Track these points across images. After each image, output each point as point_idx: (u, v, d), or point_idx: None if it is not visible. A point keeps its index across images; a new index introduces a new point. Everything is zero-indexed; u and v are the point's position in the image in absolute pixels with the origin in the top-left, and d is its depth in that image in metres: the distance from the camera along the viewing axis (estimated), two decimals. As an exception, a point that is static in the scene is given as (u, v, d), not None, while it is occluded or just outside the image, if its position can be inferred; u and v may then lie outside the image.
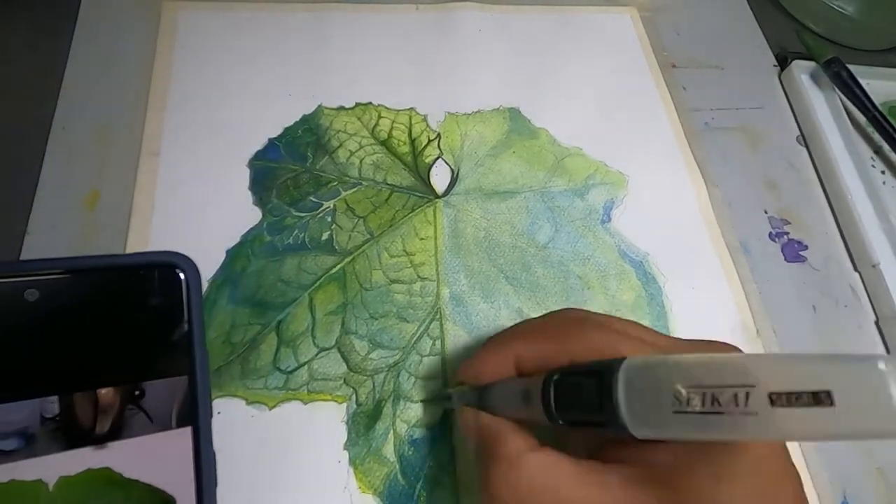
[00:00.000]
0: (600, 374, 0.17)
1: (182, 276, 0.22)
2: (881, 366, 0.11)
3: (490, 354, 0.22)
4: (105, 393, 0.21)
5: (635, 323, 0.21)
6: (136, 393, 0.21)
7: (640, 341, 0.19)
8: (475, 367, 0.22)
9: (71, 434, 0.20)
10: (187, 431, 0.21)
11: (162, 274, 0.22)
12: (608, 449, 0.19)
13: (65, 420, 0.20)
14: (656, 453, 0.17)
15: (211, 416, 0.22)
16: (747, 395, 0.13)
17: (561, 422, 0.18)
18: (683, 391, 0.14)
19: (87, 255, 0.24)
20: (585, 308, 0.30)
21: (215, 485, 0.21)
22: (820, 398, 0.12)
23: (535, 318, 0.23)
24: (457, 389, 0.24)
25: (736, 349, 0.20)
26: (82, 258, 0.23)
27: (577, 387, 0.18)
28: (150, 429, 0.21)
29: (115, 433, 0.20)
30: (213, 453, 0.21)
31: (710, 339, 0.22)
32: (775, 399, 0.12)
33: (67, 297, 0.21)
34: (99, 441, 0.20)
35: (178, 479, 0.20)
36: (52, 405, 0.20)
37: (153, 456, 0.20)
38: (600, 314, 0.22)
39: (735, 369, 0.13)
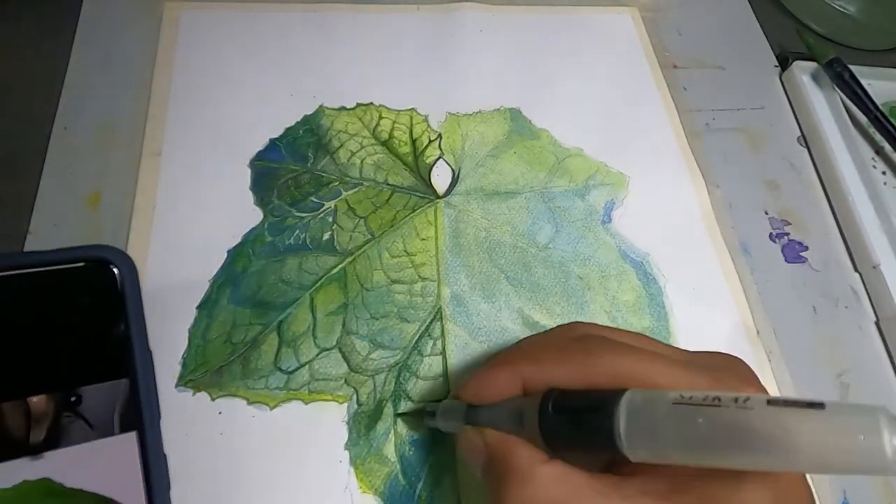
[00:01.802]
0: (600, 405, 0.17)
1: (116, 271, 0.21)
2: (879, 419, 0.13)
3: (497, 373, 0.21)
4: (37, 401, 0.20)
5: (646, 337, 0.21)
6: (73, 399, 0.20)
7: (654, 358, 0.19)
8: (480, 385, 0.21)
9: (3, 445, 0.19)
10: (132, 437, 0.20)
11: (93, 270, 0.21)
12: (624, 464, 0.18)
13: None
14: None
15: (158, 418, 0.21)
16: (747, 398, 0.14)
17: (556, 445, 0.18)
18: (687, 394, 0.15)
19: (10, 252, 0.23)
20: (586, 308, 0.30)
21: (168, 488, 0.20)
22: (813, 404, 0.13)
23: (543, 335, 0.22)
24: (443, 404, 0.23)
25: (741, 361, 0.20)
26: (5, 255, 0.22)
27: (576, 414, 0.18)
28: (91, 435, 0.20)
29: (53, 442, 0.19)
30: (164, 456, 0.20)
31: (712, 347, 0.21)
32: (771, 401, 0.14)
33: None
34: (35, 451, 0.19)
35: (126, 485, 0.19)
36: (-22, 416, 0.19)
37: (96, 463, 0.19)
38: (610, 328, 0.21)
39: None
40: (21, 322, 0.20)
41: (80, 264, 0.21)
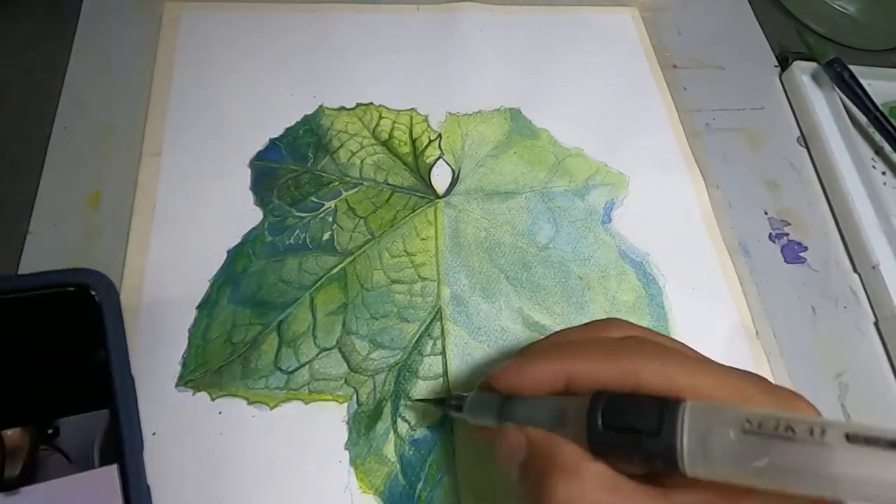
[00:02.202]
0: (660, 409, 0.16)
1: (95, 295, 0.20)
2: None
3: (542, 366, 0.20)
4: (11, 434, 0.18)
5: (683, 344, 0.21)
6: (50, 431, 0.19)
7: (701, 365, 0.18)
8: (521, 375, 0.20)
9: None
10: (113, 470, 0.19)
11: (72, 295, 0.20)
12: (659, 476, 0.17)
13: None
14: None
15: (141, 449, 0.19)
16: (823, 430, 0.13)
17: (603, 451, 0.17)
18: (755, 419, 0.15)
19: None
20: (586, 308, 0.30)
21: None
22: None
23: (583, 330, 0.22)
24: (473, 396, 0.22)
25: (767, 381, 0.19)
26: None
27: (632, 416, 0.17)
28: (70, 469, 0.19)
29: (28, 477, 0.18)
30: (147, 488, 0.19)
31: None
32: (851, 437, 0.13)
33: None
34: (10, 487, 0.18)
35: None
36: (-51, 450, 0.18)
37: (75, 499, 0.18)
38: (652, 331, 0.21)
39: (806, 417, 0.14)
40: None
41: (58, 289, 0.20)
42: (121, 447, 0.19)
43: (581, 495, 0.16)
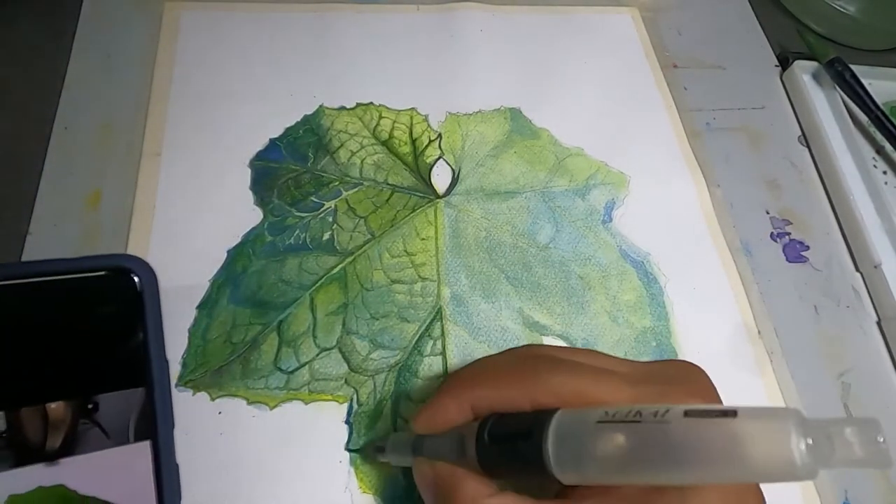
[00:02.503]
0: (531, 429, 0.17)
1: (137, 280, 0.21)
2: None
3: (446, 401, 0.20)
4: (55, 407, 0.19)
5: (596, 353, 0.21)
6: (90, 406, 0.20)
7: (598, 374, 0.19)
8: (430, 414, 0.21)
9: (20, 451, 0.19)
10: (146, 446, 0.20)
11: (115, 279, 0.21)
12: (571, 487, 0.18)
13: (12, 436, 0.19)
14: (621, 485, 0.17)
15: (172, 427, 0.20)
16: (666, 411, 0.14)
17: (494, 472, 0.18)
18: (612, 412, 0.15)
19: (33, 261, 0.23)
20: (586, 308, 0.30)
21: (179, 499, 0.20)
22: (727, 412, 0.13)
23: (493, 357, 0.22)
24: (392, 437, 0.23)
25: (699, 371, 0.20)
26: (27, 264, 0.22)
27: (509, 439, 0.18)
28: (107, 443, 0.20)
29: (69, 449, 0.19)
30: (176, 466, 0.20)
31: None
32: (689, 412, 0.14)
33: (11, 305, 0.20)
34: (51, 458, 0.19)
35: (138, 494, 0.19)
36: (-2, 420, 0.19)
37: (110, 472, 0.19)
38: (563, 349, 0.21)
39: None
40: (42, 329, 0.20)
41: (102, 273, 0.21)
42: (154, 424, 0.20)
43: None
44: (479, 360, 0.23)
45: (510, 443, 0.18)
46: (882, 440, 0.12)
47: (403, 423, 0.26)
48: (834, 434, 0.12)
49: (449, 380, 0.22)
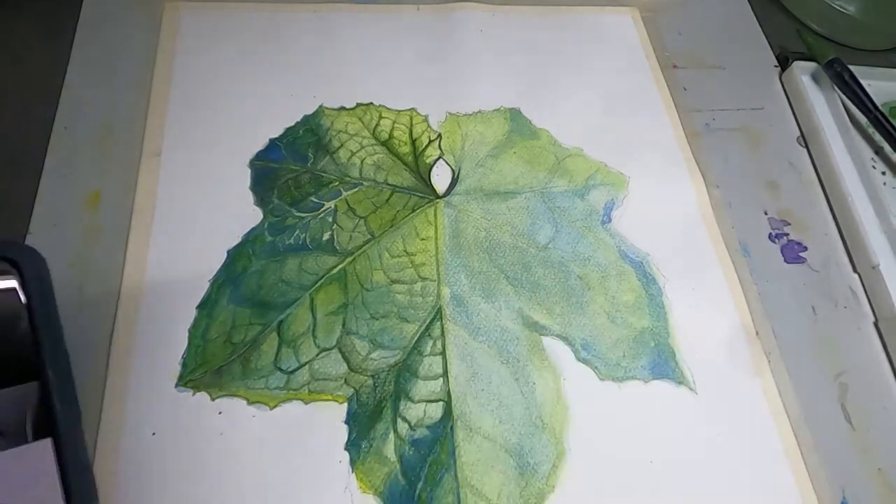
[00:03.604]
0: None
1: (21, 269, 0.19)
2: None
3: None
4: None
5: None
6: None
7: None
8: None
9: None
10: (47, 444, 0.18)
11: None
12: None
13: None
14: None
15: (79, 421, 0.19)
16: None
17: None
18: None
19: None
20: (586, 308, 0.30)
21: (95, 500, 0.18)
22: None
23: None
24: None
25: None
26: None
27: None
28: (2, 444, 0.18)
29: None
30: (87, 464, 0.18)
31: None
32: None
33: None
34: None
35: (43, 496, 0.18)
36: None
37: (10, 473, 0.18)
38: None
39: None
40: None
41: None
42: (54, 419, 0.18)
43: None
44: None
45: None
46: None
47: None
48: None
49: None
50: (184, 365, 0.25)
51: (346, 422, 0.26)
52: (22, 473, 0.18)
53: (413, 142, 0.34)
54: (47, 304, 0.19)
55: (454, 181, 0.33)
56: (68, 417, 0.18)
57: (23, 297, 0.19)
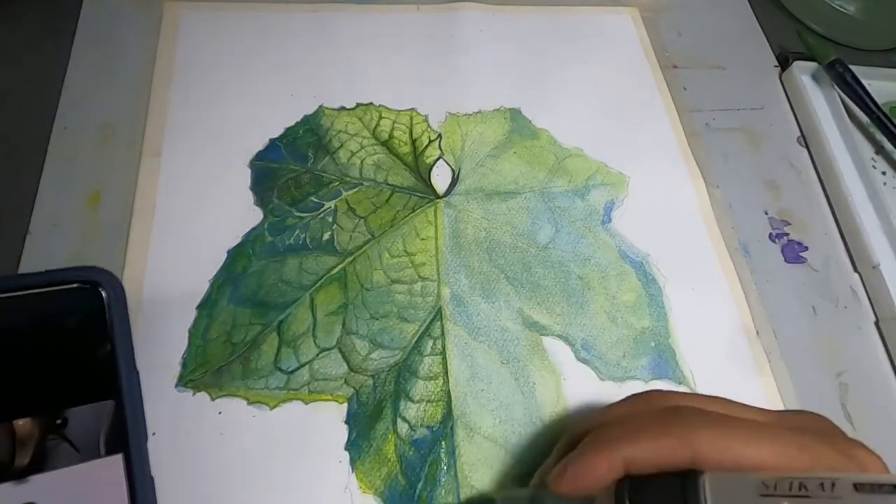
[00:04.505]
0: (682, 484, 0.16)
1: (103, 293, 0.21)
2: None
3: (596, 458, 0.19)
4: (22, 424, 0.19)
5: (731, 401, 0.20)
6: (58, 422, 0.20)
7: (747, 430, 0.18)
8: (577, 473, 0.19)
9: None
10: (118, 459, 0.19)
11: (80, 292, 0.21)
12: None
13: None
14: None
15: (146, 439, 0.20)
16: (833, 483, 0.14)
17: None
18: (771, 481, 0.15)
19: None
20: (586, 308, 0.30)
21: None
22: None
23: (628, 405, 0.21)
24: (505, 493, 0.22)
25: (827, 420, 0.20)
26: None
27: (655, 495, 0.17)
28: (77, 459, 0.19)
29: (38, 466, 0.19)
30: (151, 479, 0.20)
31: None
32: (859, 487, 0.14)
33: None
34: (19, 475, 0.18)
35: None
36: (-37, 440, 0.18)
37: (82, 487, 0.19)
38: (695, 396, 0.20)
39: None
40: (8, 344, 0.20)
41: (68, 286, 0.20)
42: (125, 437, 0.20)
43: None
44: (611, 407, 0.22)
45: (654, 496, 0.17)
46: None
47: (513, 482, 0.25)
48: None
49: (594, 437, 0.20)
50: (184, 365, 0.25)
51: (346, 422, 0.26)
52: (93, 486, 0.19)
53: (413, 142, 0.34)
54: (125, 326, 0.21)
55: (454, 181, 0.33)
56: (138, 435, 0.20)
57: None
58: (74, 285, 0.21)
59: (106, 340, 0.20)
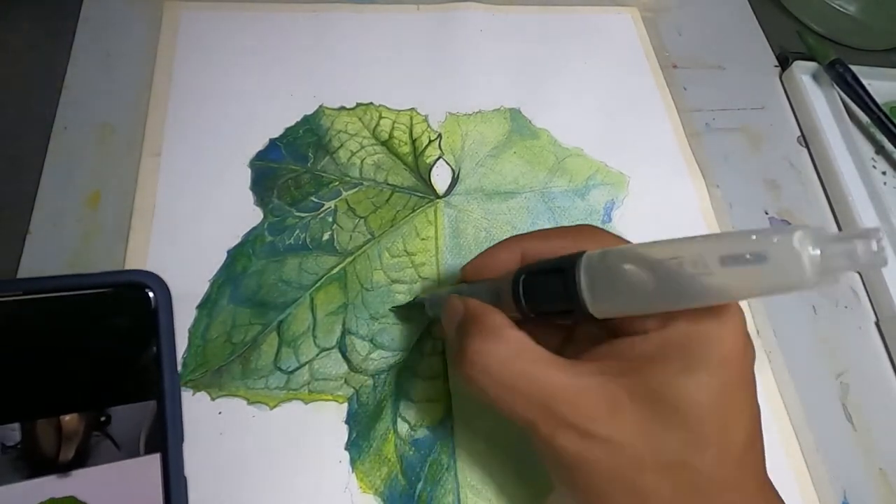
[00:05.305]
0: (564, 268, 0.18)
1: (151, 296, 0.21)
2: (797, 238, 0.14)
3: (498, 250, 0.23)
4: (69, 419, 0.20)
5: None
6: (103, 419, 0.20)
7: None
8: (481, 260, 0.23)
9: (33, 462, 0.19)
10: (156, 458, 0.20)
11: (130, 294, 0.21)
12: (587, 350, 0.19)
13: (27, 448, 0.19)
14: (634, 348, 0.18)
15: (182, 440, 0.21)
16: (701, 257, 0.15)
17: (530, 314, 0.19)
18: (637, 252, 0.17)
19: (50, 276, 0.23)
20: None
21: None
22: (758, 258, 0.14)
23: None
24: (435, 292, 0.25)
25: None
26: (44, 279, 0.22)
27: (544, 280, 0.19)
28: (117, 456, 0.20)
29: (80, 461, 0.19)
30: (185, 479, 0.20)
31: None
32: (725, 260, 0.15)
33: (29, 319, 0.20)
34: (63, 469, 0.19)
35: None
36: (13, 433, 0.19)
37: (120, 484, 0.20)
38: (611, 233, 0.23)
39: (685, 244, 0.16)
40: (58, 342, 0.20)
41: (118, 289, 0.21)
42: (164, 437, 0.20)
43: (496, 352, 0.19)
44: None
45: (543, 276, 0.19)
46: (880, 244, 0.14)
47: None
48: (840, 245, 0.14)
49: (505, 238, 0.23)
50: (184, 365, 0.25)
51: (347, 422, 0.26)
52: (132, 483, 0.20)
53: (413, 142, 0.34)
54: (170, 330, 0.21)
55: (454, 181, 0.33)
56: (176, 436, 0.21)
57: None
58: (124, 287, 0.21)
59: (152, 343, 0.21)
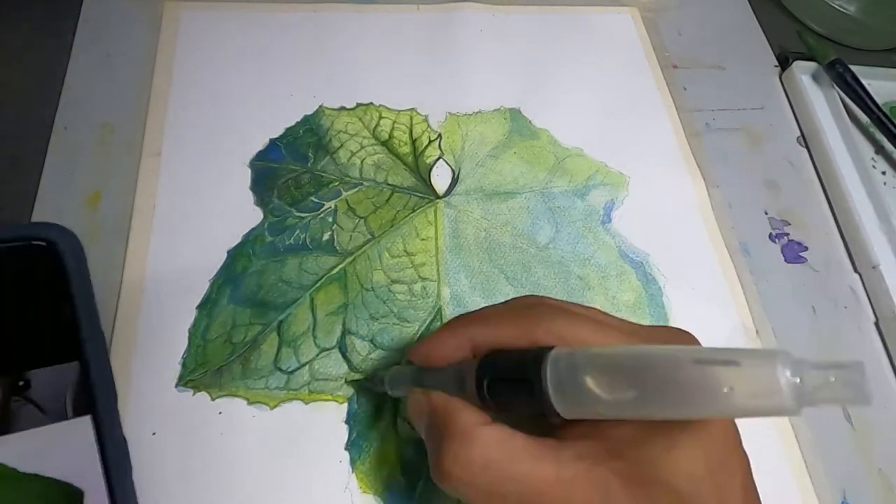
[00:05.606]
0: (529, 378, 0.17)
1: (60, 250, 0.20)
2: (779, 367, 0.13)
3: (446, 336, 0.21)
4: None
5: (596, 309, 0.21)
6: (21, 384, 0.19)
7: (599, 325, 0.19)
8: (430, 347, 0.21)
9: None
10: (87, 420, 0.19)
11: (37, 250, 0.20)
12: (565, 427, 0.18)
13: None
14: (615, 428, 0.17)
15: (115, 400, 0.19)
16: (677, 358, 0.15)
17: (494, 405, 0.18)
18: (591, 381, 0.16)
19: None
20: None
21: (129, 472, 0.19)
22: (728, 362, 0.14)
23: (498, 304, 0.22)
24: (393, 369, 0.24)
25: (691, 337, 0.20)
26: None
27: (509, 388, 0.18)
28: (43, 420, 0.19)
29: (3, 427, 0.19)
30: (123, 439, 0.19)
31: (681, 330, 0.21)
32: (699, 362, 0.14)
33: None
34: None
35: (84, 469, 0.19)
36: (-78, 403, 0.18)
37: (51, 448, 0.19)
38: (564, 301, 0.21)
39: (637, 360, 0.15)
40: None
41: (22, 243, 0.20)
42: (93, 398, 0.19)
43: (472, 458, 0.18)
44: (485, 306, 0.23)
45: (510, 372, 0.18)
46: (863, 381, 0.13)
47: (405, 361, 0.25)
48: (820, 375, 0.13)
49: (451, 320, 0.22)
50: (184, 365, 0.25)
51: (347, 422, 0.26)
52: (63, 447, 0.19)
53: (413, 142, 0.34)
54: (85, 285, 0.20)
55: (454, 181, 0.33)
56: (106, 395, 0.19)
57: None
58: (29, 243, 0.20)
59: (66, 301, 0.20)
